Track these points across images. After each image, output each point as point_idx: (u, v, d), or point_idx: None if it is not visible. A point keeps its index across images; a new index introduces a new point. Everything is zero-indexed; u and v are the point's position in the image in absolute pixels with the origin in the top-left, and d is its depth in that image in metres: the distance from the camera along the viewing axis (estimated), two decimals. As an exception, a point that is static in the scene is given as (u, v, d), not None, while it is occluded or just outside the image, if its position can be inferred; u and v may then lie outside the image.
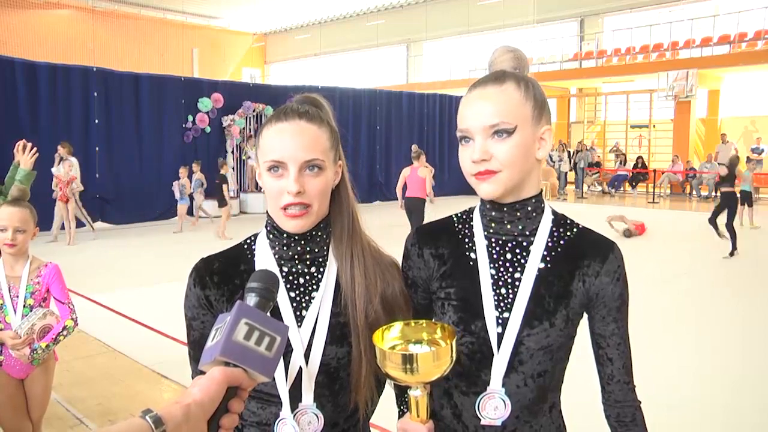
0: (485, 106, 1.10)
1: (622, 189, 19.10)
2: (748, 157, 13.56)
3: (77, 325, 2.57)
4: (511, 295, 1.13)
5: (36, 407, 2.61)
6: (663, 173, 17.85)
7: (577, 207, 15.08)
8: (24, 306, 2.48)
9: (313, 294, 1.17)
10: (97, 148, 11.39)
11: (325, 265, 1.19)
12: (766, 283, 7.16)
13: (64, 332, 2.51)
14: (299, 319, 1.15)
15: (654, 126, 20.05)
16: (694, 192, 17.40)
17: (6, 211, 2.45)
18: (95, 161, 11.36)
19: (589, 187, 19.02)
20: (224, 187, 10.58)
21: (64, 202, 9.56)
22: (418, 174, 8.33)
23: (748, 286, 7.00)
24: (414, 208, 8.33)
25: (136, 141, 12.04)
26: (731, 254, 8.42)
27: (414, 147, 9.31)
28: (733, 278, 7.45)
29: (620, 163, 19.75)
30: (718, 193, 9.03)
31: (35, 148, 3.19)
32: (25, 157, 3.14)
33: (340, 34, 28.90)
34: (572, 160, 19.03)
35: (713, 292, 6.82)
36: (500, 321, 1.11)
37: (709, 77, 18.12)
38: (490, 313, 1.12)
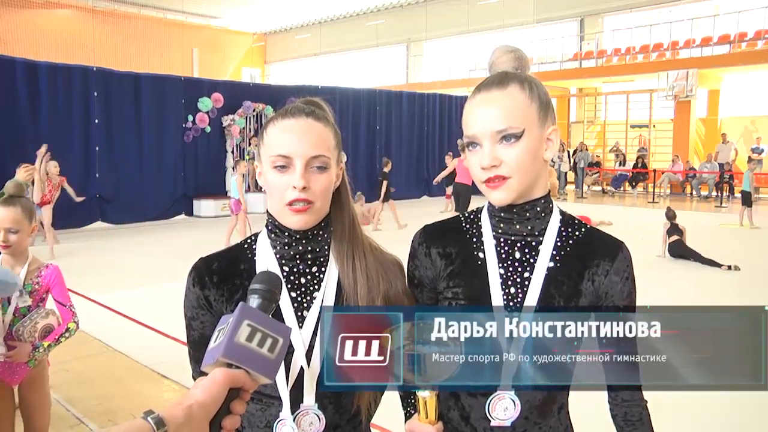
0: (491, 111, 1.09)
1: (622, 189, 19.12)
2: (749, 157, 13.57)
3: (78, 328, 2.52)
4: (520, 295, 1.13)
5: (37, 417, 2.51)
6: (663, 173, 17.86)
7: (577, 207, 15.07)
8: (21, 305, 2.41)
9: (315, 294, 1.17)
10: (97, 148, 11.39)
11: (327, 264, 1.18)
12: (766, 283, 7.16)
13: (67, 333, 2.46)
14: (300, 320, 1.15)
15: (654, 126, 20.06)
16: (693, 192, 17.42)
17: None
18: (95, 161, 11.37)
19: (589, 187, 19.02)
20: (385, 183, 11.49)
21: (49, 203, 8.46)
22: (464, 164, 9.92)
23: (749, 286, 7.00)
24: (462, 191, 10.06)
25: (136, 141, 12.04)
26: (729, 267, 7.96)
27: (460, 141, 10.71)
28: (734, 278, 7.45)
29: (620, 163, 19.76)
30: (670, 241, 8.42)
31: (34, 167, 3.27)
32: (22, 172, 3.19)
33: (340, 34, 28.89)
34: (572, 160, 19.04)
35: (714, 291, 6.82)
36: (509, 321, 1.11)
37: (709, 77, 18.12)
38: (500, 313, 1.12)
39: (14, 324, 2.38)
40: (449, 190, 13.11)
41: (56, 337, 2.43)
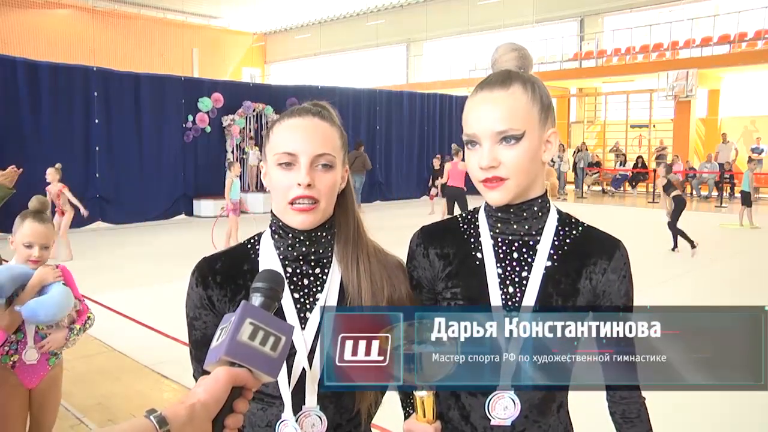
0: (492, 111, 1.09)
1: (622, 189, 19.12)
2: (749, 157, 13.57)
3: (95, 319, 2.64)
4: (518, 294, 1.13)
5: (46, 417, 2.53)
6: (663, 173, 17.84)
7: (577, 207, 15.07)
8: None
9: (318, 295, 1.16)
10: (97, 148, 11.39)
11: (330, 266, 1.18)
12: (766, 283, 7.16)
13: (89, 321, 2.57)
14: (303, 321, 1.14)
15: (654, 126, 20.05)
16: (694, 192, 17.41)
17: (32, 227, 2.40)
18: (95, 161, 11.37)
19: (589, 187, 19.02)
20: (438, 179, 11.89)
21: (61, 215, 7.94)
22: (458, 167, 10.25)
23: (749, 286, 6.99)
24: (457, 195, 10.27)
25: (136, 141, 12.04)
26: (674, 249, 8.69)
27: (454, 145, 11.54)
28: (734, 278, 7.45)
29: (620, 163, 19.75)
30: (670, 198, 8.83)
31: (21, 170, 3.23)
32: (8, 174, 3.14)
33: (340, 34, 28.88)
34: (572, 160, 19.04)
35: (714, 291, 6.82)
36: (509, 321, 1.11)
37: (709, 77, 18.11)
38: (498, 313, 1.12)
39: (38, 325, 2.42)
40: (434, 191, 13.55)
41: (83, 322, 2.54)
